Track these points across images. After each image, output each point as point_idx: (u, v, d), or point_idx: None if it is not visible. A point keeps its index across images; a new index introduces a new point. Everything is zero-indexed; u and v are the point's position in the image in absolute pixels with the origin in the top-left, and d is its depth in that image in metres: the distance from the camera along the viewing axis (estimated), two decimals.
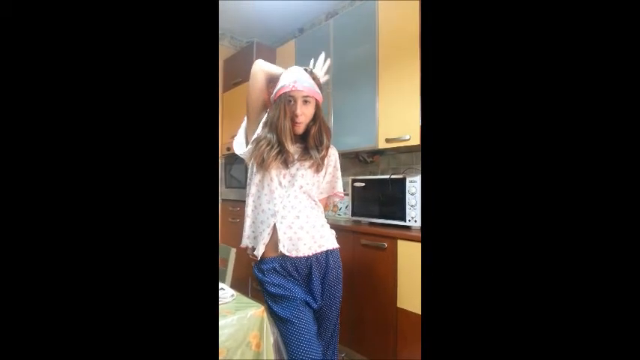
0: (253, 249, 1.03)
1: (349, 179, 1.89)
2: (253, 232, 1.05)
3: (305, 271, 1.00)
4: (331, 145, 1.12)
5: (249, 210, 1.05)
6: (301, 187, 1.02)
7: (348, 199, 1.94)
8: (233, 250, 1.31)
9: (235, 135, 1.10)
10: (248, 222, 1.06)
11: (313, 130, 1.03)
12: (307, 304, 0.99)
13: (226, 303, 0.92)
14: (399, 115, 1.73)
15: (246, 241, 1.06)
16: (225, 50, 2.95)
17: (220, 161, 2.89)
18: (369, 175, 2.12)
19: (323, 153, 1.04)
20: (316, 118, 1.03)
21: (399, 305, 1.49)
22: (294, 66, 1.04)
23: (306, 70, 1.02)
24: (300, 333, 0.93)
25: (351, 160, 2.26)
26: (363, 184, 1.82)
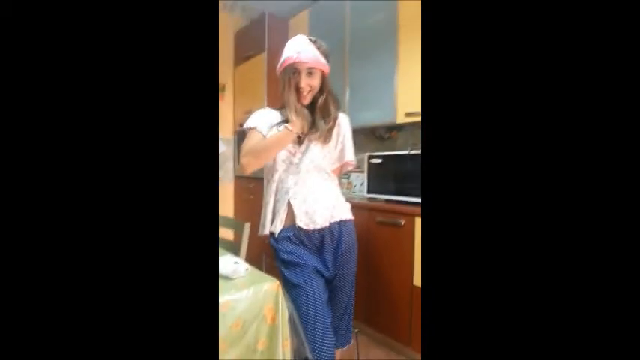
0: (272, 234, 1.03)
1: (365, 156, 1.83)
2: (272, 213, 1.04)
3: (317, 240, 1.02)
4: (342, 114, 1.09)
5: (271, 196, 1.04)
6: (312, 160, 1.02)
7: (363, 177, 1.89)
8: (247, 225, 1.30)
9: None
10: (269, 208, 1.04)
11: (320, 102, 1.01)
12: (319, 271, 1.01)
13: (241, 276, 0.91)
14: (419, 88, 1.64)
15: (267, 228, 1.05)
16: (236, 21, 2.86)
17: (233, 137, 2.86)
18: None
19: (330, 124, 1.02)
20: (323, 89, 1.00)
21: (415, 283, 1.46)
22: (299, 35, 0.99)
23: (310, 40, 0.98)
24: (309, 298, 0.95)
25: (367, 136, 2.19)
26: (380, 161, 1.76)
